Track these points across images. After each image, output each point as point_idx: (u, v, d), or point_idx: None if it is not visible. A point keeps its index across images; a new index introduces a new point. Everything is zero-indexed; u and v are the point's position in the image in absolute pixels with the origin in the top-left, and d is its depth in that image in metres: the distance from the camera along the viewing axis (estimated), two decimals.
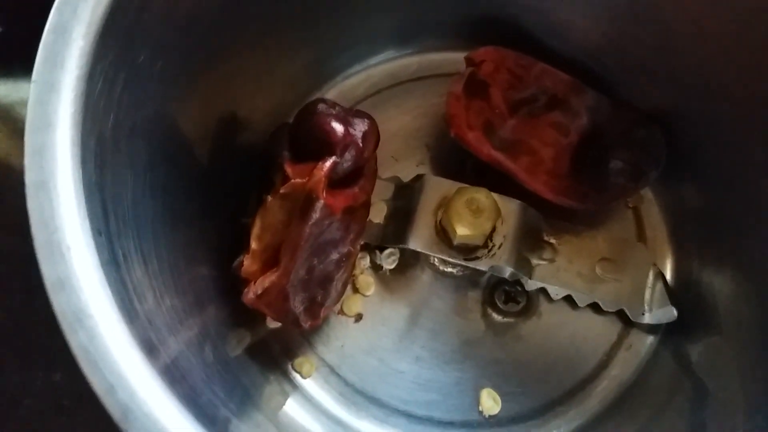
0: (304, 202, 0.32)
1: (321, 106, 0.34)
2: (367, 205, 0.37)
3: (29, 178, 0.23)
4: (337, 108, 0.34)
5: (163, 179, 0.30)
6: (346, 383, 0.39)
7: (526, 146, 0.39)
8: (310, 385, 0.39)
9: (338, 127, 0.33)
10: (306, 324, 0.35)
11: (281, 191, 0.33)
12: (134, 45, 0.27)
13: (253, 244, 0.34)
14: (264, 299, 0.32)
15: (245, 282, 0.33)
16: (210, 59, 0.33)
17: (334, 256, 0.34)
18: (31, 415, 0.43)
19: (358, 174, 0.35)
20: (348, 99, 0.44)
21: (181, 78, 0.31)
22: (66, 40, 0.24)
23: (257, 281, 0.32)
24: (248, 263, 0.33)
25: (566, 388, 0.40)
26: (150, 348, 0.23)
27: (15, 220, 0.47)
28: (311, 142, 0.33)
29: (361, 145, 0.34)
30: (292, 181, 0.33)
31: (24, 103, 0.48)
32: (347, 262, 0.36)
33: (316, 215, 0.32)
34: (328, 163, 0.32)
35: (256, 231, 0.34)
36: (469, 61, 0.40)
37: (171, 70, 0.30)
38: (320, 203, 0.32)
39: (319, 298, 0.35)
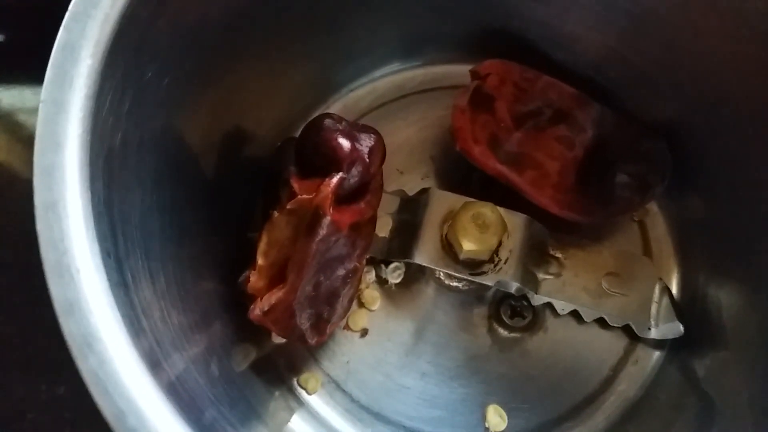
0: (311, 219, 0.32)
1: (327, 122, 0.33)
2: (373, 221, 0.36)
3: (38, 198, 0.22)
4: (343, 123, 0.34)
5: (170, 196, 0.30)
6: (352, 399, 0.39)
7: (531, 160, 0.39)
8: (315, 401, 0.39)
9: (345, 143, 0.33)
10: (312, 341, 0.35)
11: (288, 207, 0.33)
12: (141, 62, 0.27)
13: (260, 260, 0.33)
14: (270, 316, 0.32)
15: (251, 298, 0.33)
16: (216, 73, 0.33)
17: (341, 272, 0.34)
18: (34, 428, 0.43)
19: (365, 189, 0.35)
20: (353, 112, 0.44)
21: (187, 93, 0.31)
22: (75, 58, 0.24)
23: (264, 298, 0.32)
24: (255, 279, 0.33)
25: (573, 403, 0.39)
26: (158, 370, 0.23)
27: (18, 230, 0.47)
28: (318, 158, 0.33)
29: (367, 160, 0.33)
30: (299, 197, 0.33)
31: (26, 110, 0.49)
32: (354, 277, 0.35)
33: (323, 231, 0.32)
34: (335, 180, 0.32)
35: (262, 247, 0.34)
36: (474, 74, 0.40)
37: (177, 85, 0.30)
38: (327, 219, 0.32)
39: (326, 314, 0.35)
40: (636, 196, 0.38)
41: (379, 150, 0.34)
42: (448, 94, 0.44)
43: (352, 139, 0.33)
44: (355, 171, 0.33)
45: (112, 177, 0.25)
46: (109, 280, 0.23)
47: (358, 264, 0.35)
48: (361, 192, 0.35)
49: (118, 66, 0.25)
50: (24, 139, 0.49)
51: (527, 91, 0.39)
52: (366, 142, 0.34)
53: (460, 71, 0.43)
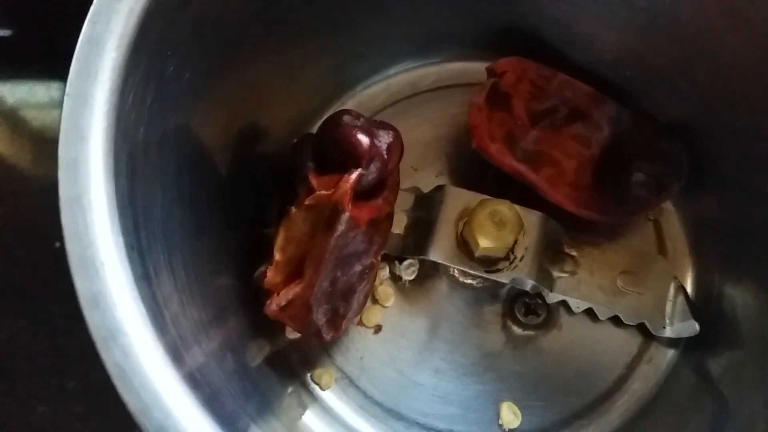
0: (329, 214, 0.32)
1: (346, 118, 0.33)
2: (390, 217, 0.36)
3: (63, 192, 0.22)
4: (361, 119, 0.34)
5: (189, 190, 0.30)
6: (365, 395, 0.39)
7: (548, 158, 0.39)
8: (328, 396, 0.39)
9: (364, 139, 0.33)
10: (328, 336, 0.35)
11: (306, 203, 0.33)
12: (164, 56, 0.27)
13: (277, 256, 0.33)
14: (287, 311, 0.32)
15: (267, 293, 0.33)
16: (234, 68, 0.33)
17: (358, 268, 0.34)
18: (45, 422, 0.43)
19: (383, 186, 0.35)
20: (367, 108, 0.44)
21: (207, 88, 0.31)
22: (99, 52, 0.24)
23: (281, 293, 0.32)
24: (271, 274, 0.33)
25: (587, 401, 0.39)
26: (181, 363, 0.23)
27: (28, 225, 0.47)
28: (336, 154, 0.33)
29: (386, 156, 0.33)
30: (318, 192, 0.33)
31: (30, 105, 0.49)
32: (370, 273, 0.35)
33: (341, 227, 0.32)
34: (354, 176, 0.32)
35: (279, 242, 0.34)
36: (490, 71, 0.40)
37: (198, 80, 0.30)
38: (346, 215, 0.32)
39: (342, 310, 0.35)
40: (652, 195, 0.38)
41: (398, 146, 0.34)
42: (461, 92, 0.44)
43: (371, 135, 0.33)
44: (374, 167, 0.33)
45: (134, 171, 0.25)
46: (134, 273, 0.23)
47: (374, 260, 0.35)
48: (379, 188, 0.35)
49: (142, 60, 0.25)
50: (26, 133, 0.49)
51: (543, 89, 0.39)
52: (384, 139, 0.34)
53: (474, 69, 0.44)
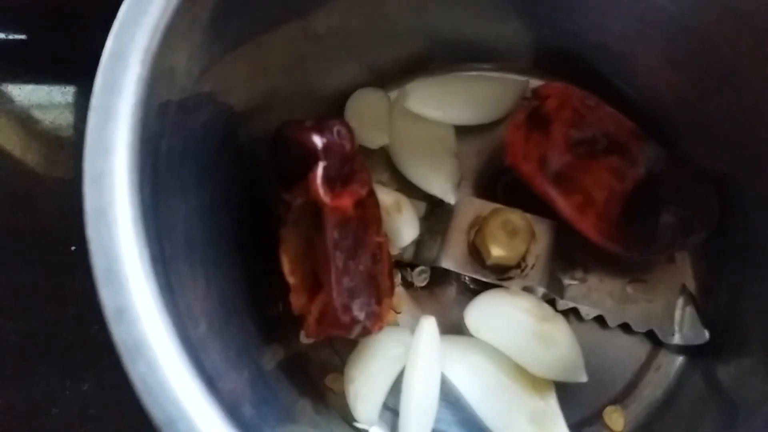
0: (315, 216, 0.32)
1: (289, 125, 0.33)
2: (373, 194, 0.36)
3: (89, 205, 0.23)
4: (302, 122, 0.34)
5: (209, 201, 0.31)
6: None
7: (579, 185, 0.38)
8: (342, 402, 0.39)
9: (312, 135, 0.32)
10: (374, 328, 0.34)
11: (289, 218, 0.33)
12: (187, 68, 0.27)
13: (290, 280, 0.34)
14: (325, 322, 0.32)
15: (302, 319, 0.33)
16: (252, 80, 0.33)
17: (367, 252, 0.34)
18: (59, 424, 0.43)
19: (351, 170, 0.35)
20: None
21: (227, 98, 0.31)
22: (123, 66, 0.24)
23: (311, 310, 0.33)
24: (295, 300, 0.33)
25: (596, 408, 0.40)
26: (204, 375, 0.23)
27: (40, 227, 0.47)
28: (294, 162, 0.33)
29: (340, 142, 0.33)
30: (294, 204, 0.33)
31: (45, 108, 0.49)
32: (381, 252, 0.35)
33: (331, 220, 0.32)
34: (319, 169, 0.32)
35: (286, 268, 0.34)
36: (535, 94, 0.40)
37: (219, 91, 0.30)
38: (328, 207, 0.32)
39: (374, 298, 0.34)
40: (678, 238, 0.38)
41: (347, 131, 0.34)
42: None
43: (318, 129, 0.33)
44: (333, 156, 0.33)
45: (158, 183, 0.25)
46: (158, 285, 0.23)
47: (379, 239, 0.35)
48: (349, 174, 0.35)
49: (165, 73, 0.25)
50: (44, 137, 0.50)
51: (585, 118, 0.39)
52: (332, 128, 0.34)
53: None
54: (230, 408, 0.24)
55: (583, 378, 0.37)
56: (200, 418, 0.22)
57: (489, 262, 0.37)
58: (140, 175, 0.24)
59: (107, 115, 0.24)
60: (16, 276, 0.45)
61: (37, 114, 0.50)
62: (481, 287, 0.40)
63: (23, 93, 0.50)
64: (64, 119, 0.50)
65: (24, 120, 0.49)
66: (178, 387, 0.22)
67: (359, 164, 0.35)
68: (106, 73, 0.24)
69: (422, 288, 0.41)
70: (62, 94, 0.50)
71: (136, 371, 0.22)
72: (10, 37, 0.51)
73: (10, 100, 0.50)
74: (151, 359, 0.22)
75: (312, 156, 0.32)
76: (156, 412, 0.21)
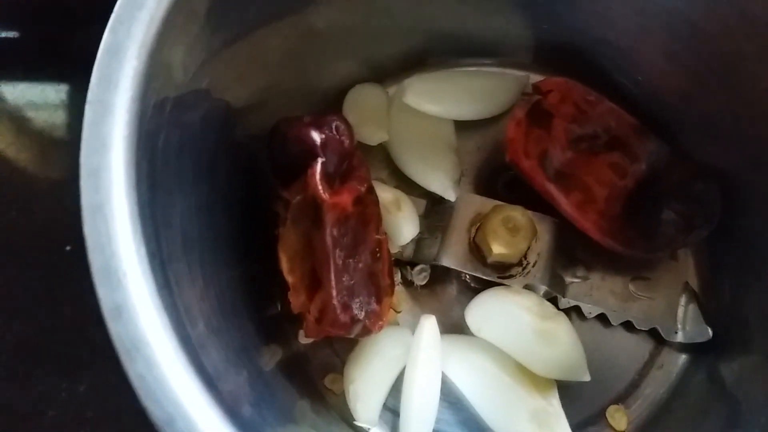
0: (314, 213, 0.32)
1: (287, 121, 0.33)
2: (372, 191, 0.36)
3: (85, 201, 0.22)
4: (300, 118, 0.34)
5: (206, 197, 0.30)
6: None
7: (580, 182, 0.38)
8: (342, 402, 0.39)
9: (311, 131, 0.33)
10: (374, 327, 0.34)
11: (289, 216, 0.33)
12: (184, 63, 0.27)
13: (289, 279, 0.34)
14: (324, 321, 0.32)
15: (302, 318, 0.33)
16: (250, 75, 0.33)
17: (367, 250, 0.34)
18: (55, 426, 0.43)
19: (350, 167, 0.35)
20: None
21: (225, 94, 0.31)
22: (120, 60, 0.24)
23: (310, 309, 0.32)
24: (294, 298, 0.33)
25: (598, 407, 0.39)
26: (202, 373, 0.23)
27: (37, 228, 0.47)
28: (293, 159, 0.33)
29: (338, 137, 0.33)
30: (293, 202, 0.33)
31: (38, 107, 0.49)
32: (381, 249, 0.35)
33: (330, 217, 0.32)
34: (317, 165, 0.32)
35: (285, 267, 0.34)
36: (536, 89, 0.39)
37: (216, 87, 0.30)
38: (328, 204, 0.32)
39: (374, 297, 0.34)
40: (680, 235, 0.37)
41: (346, 126, 0.34)
42: None
43: (316, 125, 0.33)
44: (332, 151, 0.33)
45: (155, 179, 0.25)
46: (156, 283, 0.22)
47: (379, 237, 0.35)
48: (348, 170, 0.34)
49: (162, 68, 0.25)
50: (38, 136, 0.49)
51: (587, 113, 0.39)
52: (329, 124, 0.33)
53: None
54: (229, 407, 0.23)
55: (586, 377, 0.36)
56: (199, 416, 0.21)
57: (490, 260, 0.37)
58: (137, 170, 0.23)
59: (104, 110, 0.23)
60: (10, 277, 0.45)
61: (31, 112, 0.49)
62: (482, 285, 0.40)
63: (16, 91, 0.50)
64: (58, 118, 0.49)
65: (17, 119, 0.49)
66: (177, 385, 0.21)
67: (358, 161, 0.35)
68: (102, 68, 0.24)
69: (422, 286, 0.41)
70: (56, 92, 0.49)
71: (134, 369, 0.21)
72: (2, 34, 0.50)
73: (3, 99, 0.49)
74: (150, 357, 0.21)
75: (310, 152, 0.32)
76: (155, 410, 0.21)
